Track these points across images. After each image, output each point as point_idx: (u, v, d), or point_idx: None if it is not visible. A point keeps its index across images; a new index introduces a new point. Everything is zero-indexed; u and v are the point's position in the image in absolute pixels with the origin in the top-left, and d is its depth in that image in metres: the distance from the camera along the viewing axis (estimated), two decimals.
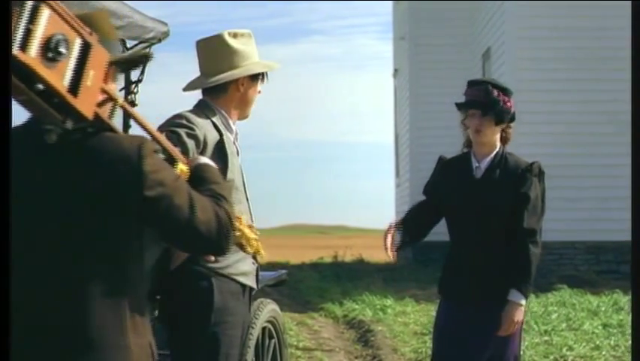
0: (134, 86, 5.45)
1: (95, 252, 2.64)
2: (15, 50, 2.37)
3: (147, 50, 5.45)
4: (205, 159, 3.02)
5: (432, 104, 18.52)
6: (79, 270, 2.64)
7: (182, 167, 2.89)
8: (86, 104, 2.56)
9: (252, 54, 4.09)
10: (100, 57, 2.61)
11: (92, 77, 2.57)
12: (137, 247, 2.71)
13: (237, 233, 3.21)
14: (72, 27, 2.53)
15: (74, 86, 2.53)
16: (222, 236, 2.78)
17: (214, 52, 4.05)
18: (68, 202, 2.64)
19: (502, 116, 4.69)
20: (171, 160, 2.87)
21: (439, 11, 18.96)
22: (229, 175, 3.87)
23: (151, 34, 5.45)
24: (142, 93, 5.46)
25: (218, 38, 4.06)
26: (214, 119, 3.98)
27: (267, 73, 4.17)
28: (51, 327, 2.62)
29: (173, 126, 3.78)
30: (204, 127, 3.88)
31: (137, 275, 2.71)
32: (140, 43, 5.44)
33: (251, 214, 4.04)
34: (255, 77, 4.11)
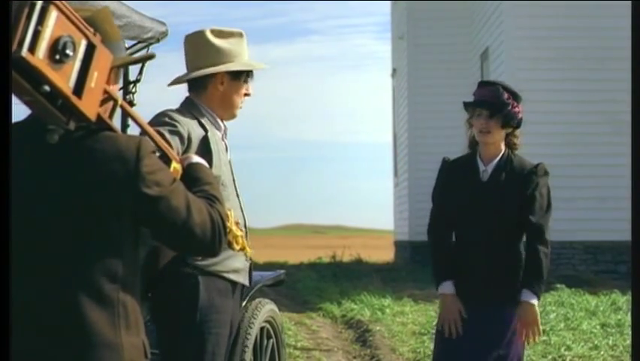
0: (132, 86, 5.43)
1: (90, 251, 2.65)
2: (24, 52, 2.38)
3: (149, 51, 5.45)
4: (198, 158, 3.02)
5: (430, 104, 18.51)
6: (73, 269, 2.64)
7: (175, 165, 2.90)
8: (89, 105, 2.58)
9: (237, 53, 4.01)
10: (104, 58, 2.62)
11: (96, 78, 2.59)
12: (131, 248, 2.72)
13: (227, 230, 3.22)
14: (78, 28, 2.54)
15: (79, 88, 2.54)
16: (216, 237, 2.80)
17: (196, 48, 4.03)
18: (65, 201, 2.65)
19: (509, 120, 4.70)
20: (165, 159, 2.88)
21: (437, 11, 18.95)
22: (215, 172, 3.82)
23: (149, 34, 5.43)
24: (139, 93, 5.45)
25: (200, 35, 4.02)
26: (199, 116, 3.94)
27: (251, 74, 4.07)
28: (45, 325, 2.63)
29: (156, 125, 3.74)
30: (188, 124, 3.84)
31: (131, 275, 2.72)
32: (139, 43, 5.42)
33: (242, 211, 4.01)
34: (237, 77, 4.02)
